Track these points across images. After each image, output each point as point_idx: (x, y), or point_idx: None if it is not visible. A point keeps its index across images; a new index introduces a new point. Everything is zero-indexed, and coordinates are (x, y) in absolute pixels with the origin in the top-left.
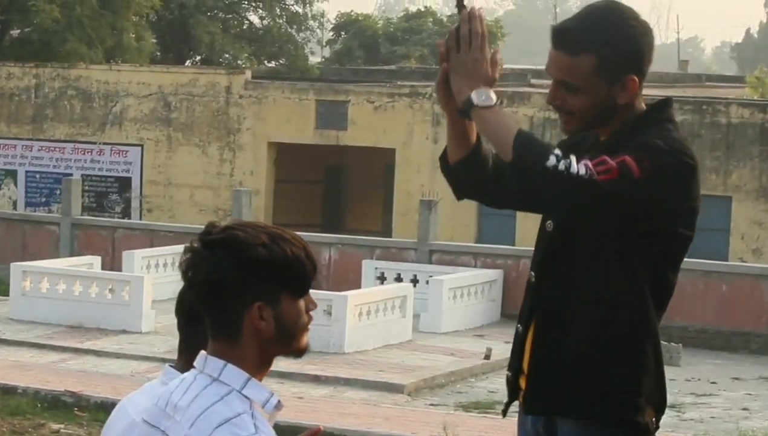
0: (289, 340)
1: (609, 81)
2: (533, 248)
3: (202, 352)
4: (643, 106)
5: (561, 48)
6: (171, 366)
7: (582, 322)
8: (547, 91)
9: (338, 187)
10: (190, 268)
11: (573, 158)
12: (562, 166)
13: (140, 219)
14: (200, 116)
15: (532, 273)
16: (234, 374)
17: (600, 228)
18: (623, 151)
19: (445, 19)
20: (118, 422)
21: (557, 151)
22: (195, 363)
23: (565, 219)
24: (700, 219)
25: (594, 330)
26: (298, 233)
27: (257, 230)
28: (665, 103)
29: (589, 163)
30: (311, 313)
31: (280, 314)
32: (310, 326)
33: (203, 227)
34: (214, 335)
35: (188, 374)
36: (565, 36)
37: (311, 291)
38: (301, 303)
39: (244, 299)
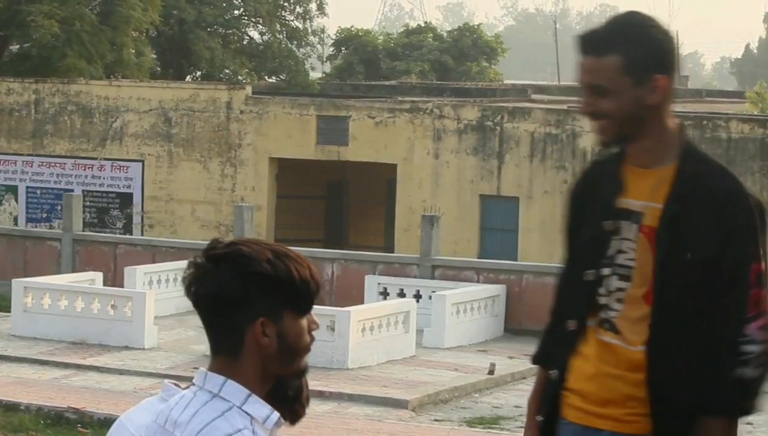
0: (291, 358)
1: (637, 80)
2: (535, 263)
3: (202, 369)
4: (673, 122)
5: (588, 52)
6: (170, 383)
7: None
8: (548, 106)
9: (340, 203)
10: (194, 282)
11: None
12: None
13: (141, 235)
14: (201, 132)
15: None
16: (234, 390)
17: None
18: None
19: (445, 35)
20: None
21: (739, 372)
22: (194, 380)
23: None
24: None
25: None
26: (300, 248)
27: (262, 246)
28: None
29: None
30: (313, 333)
31: (283, 330)
32: (311, 347)
33: (205, 242)
34: (216, 350)
35: (188, 391)
36: (591, 39)
37: (314, 309)
38: (304, 322)
39: (247, 314)
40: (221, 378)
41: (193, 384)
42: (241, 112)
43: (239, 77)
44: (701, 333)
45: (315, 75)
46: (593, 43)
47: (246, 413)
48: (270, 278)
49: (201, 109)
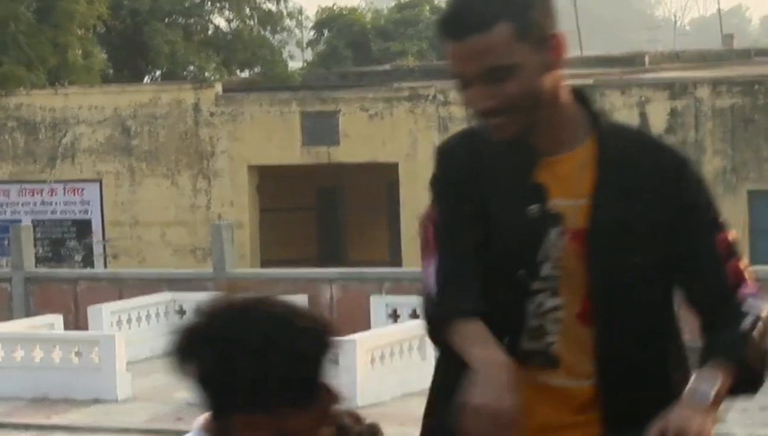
0: None
1: (535, 46)
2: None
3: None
4: (568, 91)
5: (469, 32)
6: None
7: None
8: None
9: (334, 213)
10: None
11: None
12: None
13: (105, 267)
14: (166, 141)
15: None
16: None
17: None
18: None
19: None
20: None
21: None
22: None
23: None
24: (753, 218)
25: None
26: (292, 269)
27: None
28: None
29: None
30: None
31: None
32: None
33: (180, 270)
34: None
35: None
36: (466, 17)
37: None
38: None
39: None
40: None
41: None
42: (212, 114)
43: (206, 74)
44: (662, 346)
45: (295, 65)
46: (470, 19)
47: None
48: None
49: (164, 115)
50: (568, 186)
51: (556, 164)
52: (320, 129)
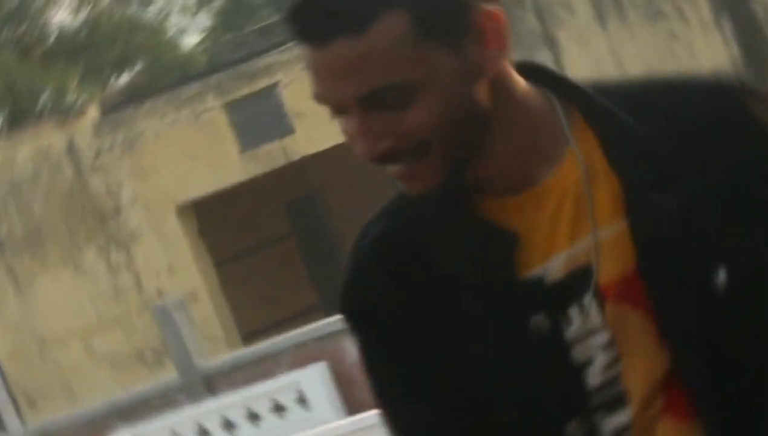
0: None
1: (450, 43)
2: None
3: None
4: (514, 74)
5: (334, 32)
6: None
7: None
8: None
9: (319, 232)
10: None
11: None
12: None
13: (23, 423)
14: (45, 214)
15: None
16: None
17: None
18: None
19: None
20: None
21: None
22: None
23: None
24: None
25: None
26: (289, 334)
27: None
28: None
29: None
30: None
31: None
32: None
33: (130, 393)
34: None
35: None
36: (330, 7)
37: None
38: None
39: None
40: None
41: None
42: (97, 152)
43: (69, 97)
44: None
45: (190, 41)
46: (334, 11)
47: None
48: None
49: (30, 178)
50: (581, 217)
51: (545, 195)
52: (259, 119)
